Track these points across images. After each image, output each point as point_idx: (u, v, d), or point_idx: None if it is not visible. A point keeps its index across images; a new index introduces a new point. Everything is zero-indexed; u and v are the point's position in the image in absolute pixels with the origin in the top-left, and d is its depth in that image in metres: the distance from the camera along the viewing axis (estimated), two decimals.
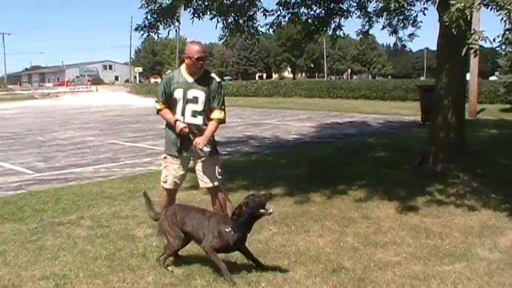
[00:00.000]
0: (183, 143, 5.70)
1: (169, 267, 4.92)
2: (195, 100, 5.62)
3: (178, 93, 5.62)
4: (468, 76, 18.55)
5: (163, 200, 6.03)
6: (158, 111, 5.79)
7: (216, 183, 5.77)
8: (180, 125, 5.58)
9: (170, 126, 5.74)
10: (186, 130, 5.57)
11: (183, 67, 5.73)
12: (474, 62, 19.68)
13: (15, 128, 21.61)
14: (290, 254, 5.24)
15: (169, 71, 6.00)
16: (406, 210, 6.77)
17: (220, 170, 5.81)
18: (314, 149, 12.93)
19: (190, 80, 5.64)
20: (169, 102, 5.69)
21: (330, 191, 7.81)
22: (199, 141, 5.55)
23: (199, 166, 5.78)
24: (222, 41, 9.29)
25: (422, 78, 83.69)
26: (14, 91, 69.40)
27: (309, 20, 9.97)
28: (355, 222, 6.34)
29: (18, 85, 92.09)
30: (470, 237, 5.68)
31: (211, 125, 5.69)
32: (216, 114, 5.70)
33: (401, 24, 10.38)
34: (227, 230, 4.66)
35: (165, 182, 5.88)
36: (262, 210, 4.69)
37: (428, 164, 9.04)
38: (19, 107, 39.21)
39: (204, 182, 5.79)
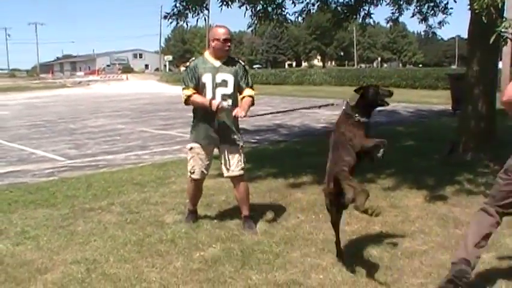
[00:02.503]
0: (217, 131, 5.62)
1: None
2: (224, 83, 5.56)
3: (206, 78, 5.54)
4: (500, 65, 18.25)
5: (190, 191, 6.05)
6: (187, 98, 5.61)
7: (240, 172, 5.75)
8: (215, 103, 5.45)
9: (201, 113, 5.65)
10: (223, 104, 5.48)
11: (206, 53, 5.69)
12: (507, 51, 19.32)
13: (48, 116, 21.96)
14: (317, 242, 5.27)
15: (193, 58, 5.85)
16: (434, 199, 6.73)
17: (244, 159, 5.79)
18: None
19: (218, 64, 5.58)
20: (198, 87, 5.58)
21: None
22: (240, 110, 5.48)
23: (226, 155, 5.71)
24: (251, 29, 9.30)
25: (453, 67, 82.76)
26: (46, 80, 70.36)
27: (338, 8, 9.96)
28: (383, 210, 6.29)
29: (50, 74, 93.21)
30: (499, 227, 5.62)
31: (246, 100, 5.66)
32: (248, 91, 5.71)
33: (432, 12, 10.28)
34: (356, 116, 4.52)
35: (193, 173, 5.81)
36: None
37: (457, 153, 8.96)
38: (51, 96, 39.78)
39: (231, 170, 5.72)
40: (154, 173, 8.91)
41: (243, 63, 5.82)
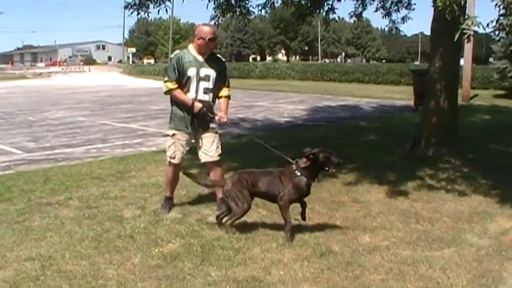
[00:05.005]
0: (193, 119, 5.91)
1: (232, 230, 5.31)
2: (207, 78, 5.90)
3: (191, 72, 5.84)
4: (462, 61, 18.52)
5: (168, 176, 6.27)
6: (169, 90, 5.90)
7: (218, 157, 6.11)
8: (198, 105, 5.82)
9: (180, 104, 5.92)
10: (204, 109, 5.84)
11: (191, 47, 5.96)
12: (468, 48, 19.64)
13: (6, 107, 21.43)
14: (278, 237, 5.20)
15: (178, 51, 6.16)
16: (396, 194, 6.75)
17: (220, 145, 6.15)
18: (305, 131, 12.88)
19: (201, 59, 5.88)
20: (181, 80, 5.85)
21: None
22: (223, 116, 5.95)
23: (204, 141, 6.03)
24: (214, 21, 9.19)
25: (416, 63, 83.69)
26: (5, 70, 68.89)
27: (302, 2, 9.90)
28: (344, 206, 6.32)
29: (10, 64, 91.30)
30: (459, 222, 5.67)
31: (225, 102, 6.13)
32: (225, 91, 6.13)
33: (395, 7, 10.33)
34: (299, 177, 5.20)
35: (174, 158, 6.07)
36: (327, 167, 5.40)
37: (419, 148, 9.02)
38: (10, 87, 38.89)
39: (210, 155, 6.04)
40: (114, 166, 8.74)
41: (223, 60, 6.22)
